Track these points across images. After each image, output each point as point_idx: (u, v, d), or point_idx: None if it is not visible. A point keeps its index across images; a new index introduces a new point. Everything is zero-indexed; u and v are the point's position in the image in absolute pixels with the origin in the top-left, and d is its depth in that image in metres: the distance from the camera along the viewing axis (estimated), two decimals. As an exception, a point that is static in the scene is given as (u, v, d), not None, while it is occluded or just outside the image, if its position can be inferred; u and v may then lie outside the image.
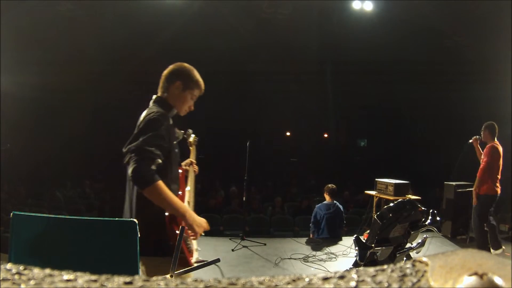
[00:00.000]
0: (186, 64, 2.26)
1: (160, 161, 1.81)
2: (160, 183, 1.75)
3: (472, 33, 8.37)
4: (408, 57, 9.41)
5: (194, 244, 2.08)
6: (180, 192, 2.05)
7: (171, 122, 2.04)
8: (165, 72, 2.20)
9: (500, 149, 4.93)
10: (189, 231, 1.88)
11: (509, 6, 6.38)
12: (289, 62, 9.91)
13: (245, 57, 10.05)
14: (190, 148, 2.63)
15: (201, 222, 1.89)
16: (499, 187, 4.99)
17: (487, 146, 4.97)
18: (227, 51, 9.53)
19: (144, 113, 2.04)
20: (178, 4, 7.82)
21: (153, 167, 1.76)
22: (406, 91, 11.45)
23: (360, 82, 11.48)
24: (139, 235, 1.57)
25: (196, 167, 2.52)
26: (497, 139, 5.00)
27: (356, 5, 7.97)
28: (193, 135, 2.62)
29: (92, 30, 8.11)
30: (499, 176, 4.97)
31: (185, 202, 2.10)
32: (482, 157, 4.99)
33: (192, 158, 2.56)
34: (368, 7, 7.95)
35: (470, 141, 5.30)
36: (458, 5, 7.43)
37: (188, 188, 2.26)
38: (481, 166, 4.93)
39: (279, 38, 9.20)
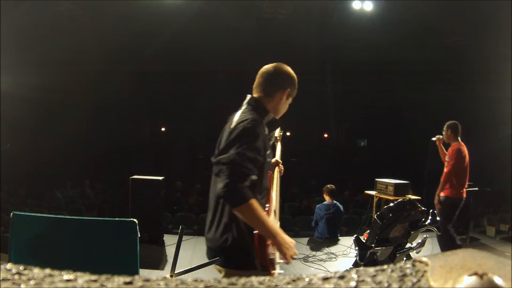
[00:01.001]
0: (289, 68, 2.04)
1: (254, 177, 1.67)
2: (253, 201, 1.61)
3: (472, 33, 8.37)
4: (408, 57, 9.41)
5: (277, 257, 1.88)
6: (267, 206, 1.86)
7: (266, 130, 1.84)
8: (272, 73, 1.95)
9: (465, 149, 4.65)
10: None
11: (509, 6, 6.38)
12: (289, 62, 9.89)
13: (245, 57, 10.05)
14: (276, 144, 2.34)
15: (290, 245, 1.71)
16: (465, 191, 4.67)
17: (452, 147, 4.68)
18: (227, 51, 9.53)
19: (237, 117, 1.80)
20: (178, 4, 7.82)
21: (247, 183, 1.62)
22: (406, 91, 11.45)
23: (360, 82, 11.48)
24: (139, 235, 1.57)
25: (282, 167, 2.29)
26: (473, 138, 5.01)
27: (356, 5, 7.97)
28: (277, 130, 2.28)
29: (92, 30, 8.12)
30: (467, 180, 4.70)
31: (271, 212, 1.93)
32: (447, 159, 4.69)
33: (278, 157, 2.31)
34: (368, 7, 7.95)
35: (434, 139, 4.97)
36: (458, 5, 7.43)
37: (273, 197, 2.01)
38: (447, 169, 4.60)
39: (279, 38, 9.20)
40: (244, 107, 1.88)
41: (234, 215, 1.68)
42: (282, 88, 1.92)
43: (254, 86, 1.96)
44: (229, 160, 1.63)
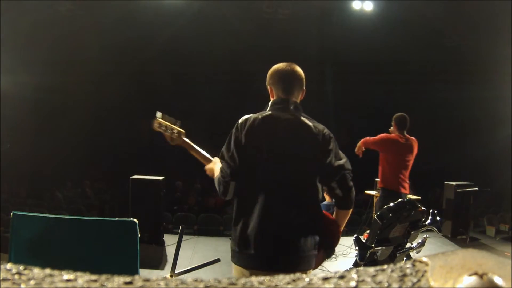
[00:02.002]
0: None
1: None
2: None
3: (472, 33, 8.38)
4: (408, 57, 9.42)
5: None
6: None
7: None
8: (300, 75, 1.98)
9: (401, 142, 4.41)
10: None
11: (509, 6, 6.38)
12: (289, 62, 9.89)
13: (245, 57, 10.06)
14: None
15: None
16: (406, 186, 4.42)
17: (380, 136, 4.54)
18: (227, 51, 9.54)
19: (318, 126, 1.88)
20: (178, 4, 7.82)
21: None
22: (406, 91, 11.45)
23: (360, 82, 11.48)
24: (139, 235, 1.57)
25: None
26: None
27: (356, 5, 7.98)
28: None
29: (92, 30, 8.12)
30: (405, 175, 4.44)
31: None
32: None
33: None
34: (368, 7, 7.95)
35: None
36: (458, 5, 7.44)
37: None
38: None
39: (279, 38, 9.20)
40: (298, 111, 1.91)
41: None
42: (303, 89, 2.00)
43: (289, 88, 1.93)
44: (347, 167, 1.87)
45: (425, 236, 3.74)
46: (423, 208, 3.60)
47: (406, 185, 4.48)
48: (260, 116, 1.81)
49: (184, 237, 3.80)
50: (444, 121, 11.73)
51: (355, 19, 8.22)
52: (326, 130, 1.87)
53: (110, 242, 1.61)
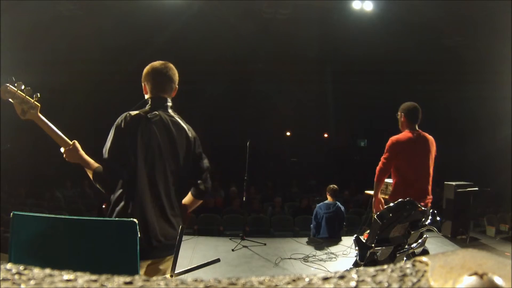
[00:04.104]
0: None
1: None
2: None
3: (472, 33, 8.38)
4: (408, 57, 9.42)
5: None
6: None
7: None
8: (174, 74, 2.14)
9: (412, 138, 3.51)
10: None
11: (509, 6, 6.38)
12: (289, 62, 9.93)
13: (245, 57, 10.06)
14: None
15: None
16: (429, 197, 3.40)
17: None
18: (227, 51, 9.54)
19: (184, 125, 2.04)
20: (178, 4, 7.82)
21: None
22: (406, 91, 11.45)
23: (360, 82, 11.48)
24: (139, 235, 1.57)
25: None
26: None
27: (356, 5, 7.98)
28: None
29: (92, 30, 8.12)
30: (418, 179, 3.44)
31: None
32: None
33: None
34: (368, 7, 7.95)
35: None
36: (458, 5, 7.44)
37: None
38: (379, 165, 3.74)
39: (279, 38, 9.20)
40: (173, 111, 2.05)
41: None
42: (175, 86, 2.12)
43: (162, 87, 2.05)
44: (207, 167, 2.08)
45: (425, 236, 3.74)
46: (423, 208, 3.60)
47: (428, 199, 3.42)
48: (139, 114, 1.89)
49: (184, 237, 3.80)
50: (444, 121, 11.73)
51: (355, 19, 8.21)
52: (194, 132, 2.05)
53: (110, 242, 1.61)
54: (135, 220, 1.59)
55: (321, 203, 5.69)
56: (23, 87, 1.94)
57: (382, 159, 3.69)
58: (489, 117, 9.46)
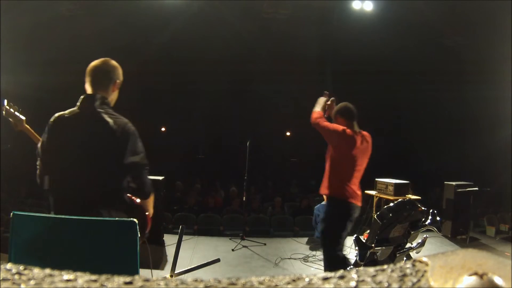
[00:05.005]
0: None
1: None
2: None
3: (472, 33, 8.38)
4: (408, 57, 9.41)
5: None
6: None
7: None
8: (106, 68, 2.13)
9: (351, 135, 3.34)
10: None
11: (509, 6, 6.38)
12: (289, 62, 9.93)
13: (245, 57, 10.05)
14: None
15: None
16: (358, 195, 3.34)
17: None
18: (227, 51, 9.53)
19: (120, 122, 1.95)
20: (178, 4, 7.82)
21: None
22: (406, 91, 11.46)
23: (360, 82, 11.48)
24: (139, 235, 1.57)
25: None
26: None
27: (356, 5, 7.97)
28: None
29: (92, 30, 8.11)
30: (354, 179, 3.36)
31: None
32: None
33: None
34: (368, 7, 7.95)
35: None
36: (458, 5, 7.44)
37: None
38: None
39: (279, 38, 9.20)
40: (103, 107, 1.99)
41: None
42: (114, 81, 2.10)
43: (91, 84, 2.06)
44: (143, 160, 1.97)
45: (425, 236, 3.74)
46: (423, 208, 3.60)
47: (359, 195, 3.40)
48: (63, 114, 1.96)
49: (184, 237, 3.80)
50: (444, 121, 11.73)
51: (355, 19, 8.21)
52: (127, 126, 1.95)
53: (110, 242, 1.61)
54: (135, 220, 1.59)
55: (319, 205, 5.69)
56: (6, 103, 2.42)
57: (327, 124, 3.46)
58: (489, 117, 9.46)
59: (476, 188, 6.03)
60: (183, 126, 13.93)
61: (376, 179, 5.68)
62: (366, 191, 5.95)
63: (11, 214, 1.60)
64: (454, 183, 5.98)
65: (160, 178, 4.95)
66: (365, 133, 3.54)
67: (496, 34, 7.45)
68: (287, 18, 8.34)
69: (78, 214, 1.64)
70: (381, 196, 5.46)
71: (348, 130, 3.36)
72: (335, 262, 3.29)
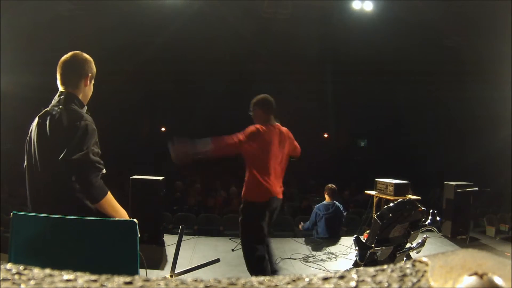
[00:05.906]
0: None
1: (104, 171, 1.88)
2: (110, 193, 1.89)
3: (472, 33, 8.38)
4: (408, 57, 9.42)
5: None
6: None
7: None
8: (73, 62, 2.02)
9: (266, 132, 3.34)
10: None
11: (509, 6, 6.38)
12: (289, 62, 9.93)
13: (245, 57, 10.06)
14: None
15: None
16: (274, 189, 3.33)
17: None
18: (227, 51, 9.53)
19: (74, 116, 1.86)
20: (178, 4, 7.82)
21: (100, 178, 1.84)
22: (406, 91, 11.46)
23: (360, 82, 11.49)
24: (139, 235, 1.57)
25: None
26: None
27: (356, 5, 7.98)
28: None
29: (92, 30, 8.12)
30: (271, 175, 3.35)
31: None
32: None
33: None
34: (368, 7, 7.95)
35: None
36: (458, 5, 7.44)
37: None
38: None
39: (279, 38, 9.20)
40: (66, 104, 1.91)
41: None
42: (85, 75, 2.00)
43: (60, 80, 1.99)
44: (85, 157, 1.74)
45: (425, 236, 3.74)
46: (423, 208, 3.60)
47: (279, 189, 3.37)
48: (41, 113, 1.98)
49: (184, 237, 3.80)
50: (444, 121, 11.73)
51: (355, 19, 8.21)
52: (79, 122, 1.81)
53: (110, 242, 1.61)
54: (135, 220, 1.59)
55: (319, 205, 5.68)
56: None
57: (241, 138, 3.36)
58: (489, 117, 9.46)
59: (476, 188, 6.03)
60: (183, 126, 13.94)
61: (376, 179, 5.68)
62: (366, 191, 5.96)
63: (11, 214, 1.60)
64: (454, 183, 5.98)
65: (160, 178, 4.95)
66: (281, 127, 3.60)
67: (496, 34, 7.45)
68: (287, 18, 8.35)
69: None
70: (381, 196, 5.46)
71: (262, 128, 3.34)
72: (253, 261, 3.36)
